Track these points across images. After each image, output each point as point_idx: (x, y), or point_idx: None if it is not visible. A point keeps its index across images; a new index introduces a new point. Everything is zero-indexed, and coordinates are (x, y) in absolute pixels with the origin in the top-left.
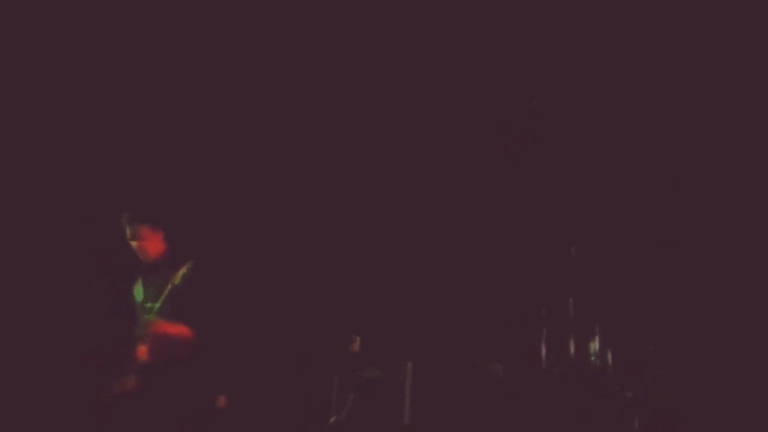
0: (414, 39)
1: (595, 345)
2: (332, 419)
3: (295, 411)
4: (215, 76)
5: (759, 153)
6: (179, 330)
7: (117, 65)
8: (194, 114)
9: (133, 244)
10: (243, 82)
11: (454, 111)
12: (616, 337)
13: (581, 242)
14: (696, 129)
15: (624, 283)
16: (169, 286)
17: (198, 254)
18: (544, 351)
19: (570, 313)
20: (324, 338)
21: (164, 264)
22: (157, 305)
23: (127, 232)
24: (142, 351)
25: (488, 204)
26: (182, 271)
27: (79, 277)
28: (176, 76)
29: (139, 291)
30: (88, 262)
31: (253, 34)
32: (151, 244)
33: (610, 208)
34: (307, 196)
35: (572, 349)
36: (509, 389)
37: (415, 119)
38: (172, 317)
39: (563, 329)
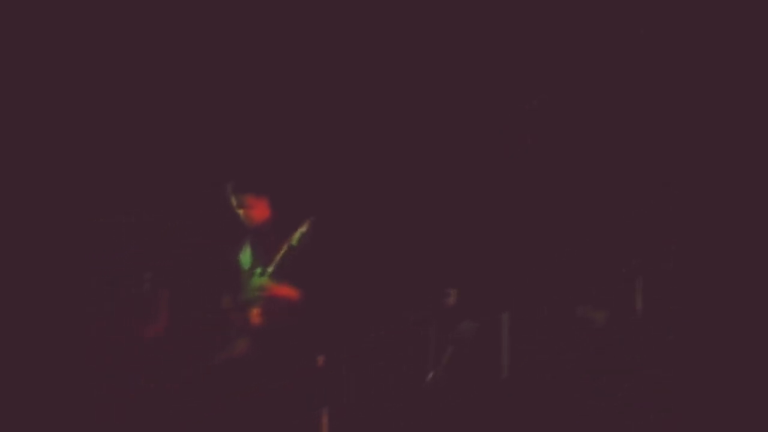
0: (414, 39)
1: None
2: (430, 374)
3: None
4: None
5: (760, 150)
6: (291, 293)
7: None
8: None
9: (239, 212)
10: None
11: (454, 111)
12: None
13: (578, 242)
14: (696, 127)
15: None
16: (285, 248)
17: (307, 217)
18: (639, 302)
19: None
20: (423, 294)
21: (271, 229)
22: (270, 269)
23: (233, 200)
24: (255, 314)
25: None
26: (300, 231)
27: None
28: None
29: (246, 257)
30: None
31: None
32: (257, 211)
33: (610, 207)
34: (392, 166)
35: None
36: (607, 339)
37: (416, 119)
38: (285, 280)
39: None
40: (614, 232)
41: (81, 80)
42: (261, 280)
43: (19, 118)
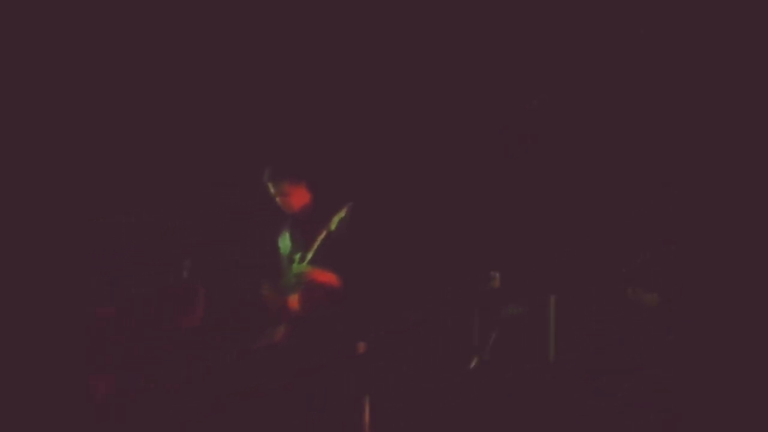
0: (414, 39)
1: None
2: (475, 359)
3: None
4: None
5: (760, 150)
6: (331, 280)
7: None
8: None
9: (278, 199)
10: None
11: (454, 111)
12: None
13: (578, 242)
14: (696, 127)
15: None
16: (324, 232)
17: (345, 203)
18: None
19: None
20: (467, 279)
21: (310, 215)
22: (310, 254)
23: (271, 187)
24: (294, 301)
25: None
26: (339, 215)
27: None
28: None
29: (285, 243)
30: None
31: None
32: (295, 198)
33: (610, 208)
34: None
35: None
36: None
37: (415, 119)
38: (324, 266)
39: None
40: (614, 232)
41: (81, 80)
42: (300, 266)
43: (19, 118)
